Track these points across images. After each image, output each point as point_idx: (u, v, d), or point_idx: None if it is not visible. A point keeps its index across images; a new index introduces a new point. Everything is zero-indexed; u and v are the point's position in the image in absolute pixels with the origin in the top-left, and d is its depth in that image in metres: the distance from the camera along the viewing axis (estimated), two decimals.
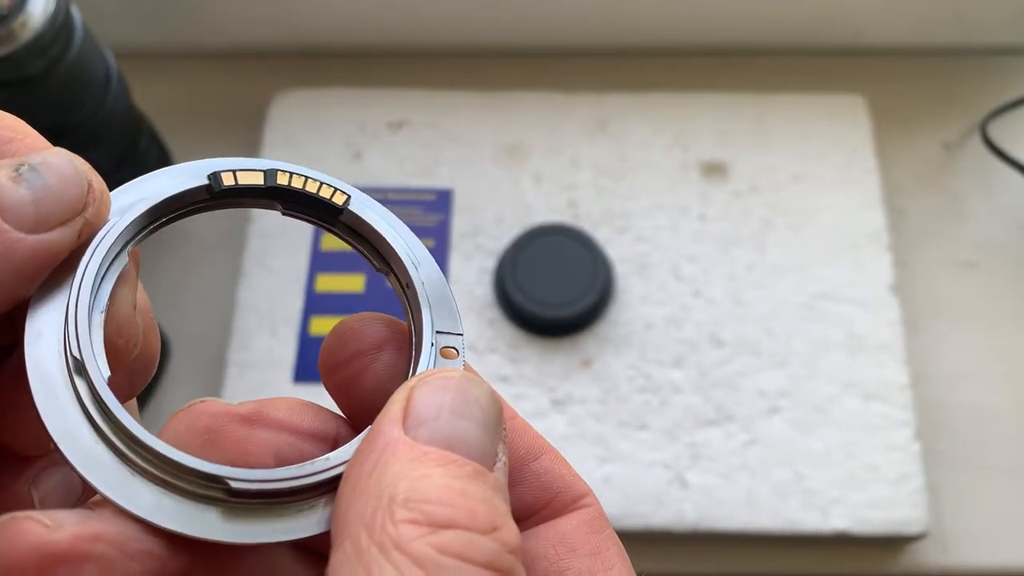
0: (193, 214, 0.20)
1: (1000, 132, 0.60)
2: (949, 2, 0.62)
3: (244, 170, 0.20)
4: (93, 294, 0.18)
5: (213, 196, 0.20)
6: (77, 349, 0.17)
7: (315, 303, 0.55)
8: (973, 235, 0.59)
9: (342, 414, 0.21)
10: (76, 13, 0.47)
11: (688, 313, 0.54)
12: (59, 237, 0.18)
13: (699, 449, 0.50)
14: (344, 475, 0.17)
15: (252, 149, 0.60)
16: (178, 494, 0.17)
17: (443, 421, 0.17)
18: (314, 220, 0.21)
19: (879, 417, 0.51)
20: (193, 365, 0.56)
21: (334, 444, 0.20)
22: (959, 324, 0.56)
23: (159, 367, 0.55)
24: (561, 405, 0.52)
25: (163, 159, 0.60)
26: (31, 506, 0.19)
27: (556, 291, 0.53)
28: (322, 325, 0.54)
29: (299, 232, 0.57)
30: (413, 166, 0.59)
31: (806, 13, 0.63)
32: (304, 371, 0.53)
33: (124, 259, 0.19)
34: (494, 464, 0.17)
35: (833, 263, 0.55)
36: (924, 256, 0.58)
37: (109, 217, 0.19)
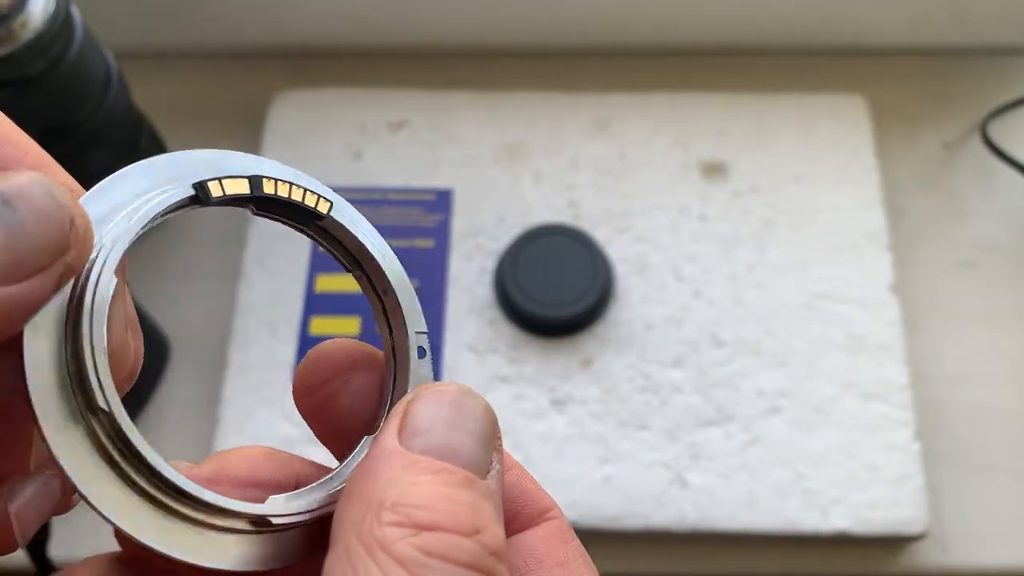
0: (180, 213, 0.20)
1: (1000, 132, 0.60)
2: (949, 2, 0.62)
3: (230, 178, 0.19)
4: (103, 329, 0.17)
5: (202, 204, 0.19)
6: (104, 401, 0.17)
7: (315, 303, 0.55)
8: (973, 235, 0.59)
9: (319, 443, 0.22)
10: (76, 13, 0.47)
11: (688, 313, 0.54)
12: (35, 287, 0.15)
13: (699, 449, 0.50)
14: (345, 486, 0.18)
15: (252, 149, 0.60)
16: (209, 529, 0.18)
17: (437, 432, 0.18)
18: (286, 221, 0.21)
19: (879, 417, 0.51)
20: (193, 365, 0.56)
21: (296, 486, 0.20)
22: (959, 324, 0.56)
23: (159, 367, 0.55)
24: (561, 405, 0.52)
25: None
26: (7, 521, 0.18)
27: (556, 291, 0.53)
28: (322, 325, 0.54)
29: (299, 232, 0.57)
30: (413, 166, 0.59)
31: (806, 13, 0.63)
32: None
33: (114, 279, 0.18)
34: (487, 472, 0.18)
35: (833, 263, 0.55)
36: (924, 256, 0.58)
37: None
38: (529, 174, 0.58)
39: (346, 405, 0.21)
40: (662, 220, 0.57)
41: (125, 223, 0.18)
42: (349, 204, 0.21)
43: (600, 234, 0.56)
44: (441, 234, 0.56)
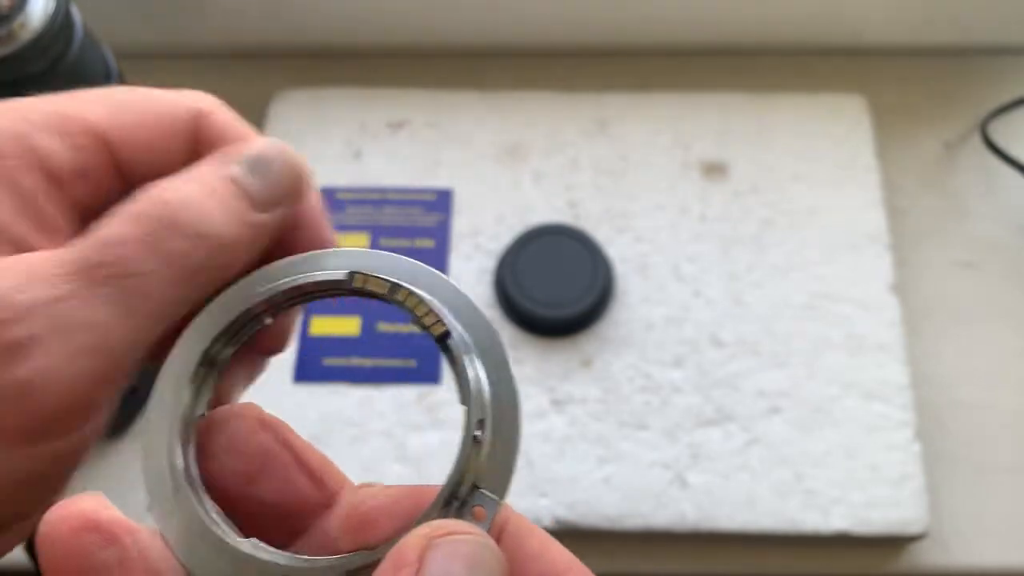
0: (333, 296, 0.23)
1: (1000, 132, 0.60)
2: (949, 2, 0.62)
3: (376, 277, 0.22)
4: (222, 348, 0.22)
5: (347, 289, 0.22)
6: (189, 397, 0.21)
7: (315, 303, 0.55)
8: (973, 235, 0.59)
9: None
10: (76, 13, 0.47)
11: (688, 313, 0.54)
12: (278, 215, 0.22)
13: (699, 449, 0.50)
14: None
15: None
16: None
17: None
18: (427, 334, 0.22)
19: (879, 417, 0.51)
20: None
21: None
22: (959, 324, 0.56)
23: (160, 368, 0.55)
24: (561, 405, 0.52)
25: None
26: None
27: (556, 291, 0.53)
28: (322, 325, 0.54)
29: None
30: (413, 166, 0.59)
31: (806, 13, 0.63)
32: (304, 371, 0.53)
33: (262, 321, 0.22)
34: None
35: (833, 263, 0.55)
36: (924, 256, 0.58)
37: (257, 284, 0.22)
38: (529, 174, 0.58)
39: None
40: (662, 220, 0.57)
41: (280, 286, 0.22)
42: (488, 325, 0.21)
43: (600, 234, 0.56)
44: (441, 234, 0.56)
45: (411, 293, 0.21)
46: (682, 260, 0.55)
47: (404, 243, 0.56)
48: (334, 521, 0.21)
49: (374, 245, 0.56)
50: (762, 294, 0.54)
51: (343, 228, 0.57)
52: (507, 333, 0.53)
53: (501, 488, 0.20)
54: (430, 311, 0.21)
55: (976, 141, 0.61)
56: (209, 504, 0.20)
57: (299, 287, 0.22)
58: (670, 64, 0.64)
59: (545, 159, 0.59)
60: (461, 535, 0.18)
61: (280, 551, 0.20)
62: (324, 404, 0.52)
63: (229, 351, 0.22)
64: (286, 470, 0.21)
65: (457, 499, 0.19)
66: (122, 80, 0.53)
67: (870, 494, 0.49)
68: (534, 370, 0.52)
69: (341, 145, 0.60)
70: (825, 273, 0.55)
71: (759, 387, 0.52)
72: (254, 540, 0.19)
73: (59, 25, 0.45)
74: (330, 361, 0.53)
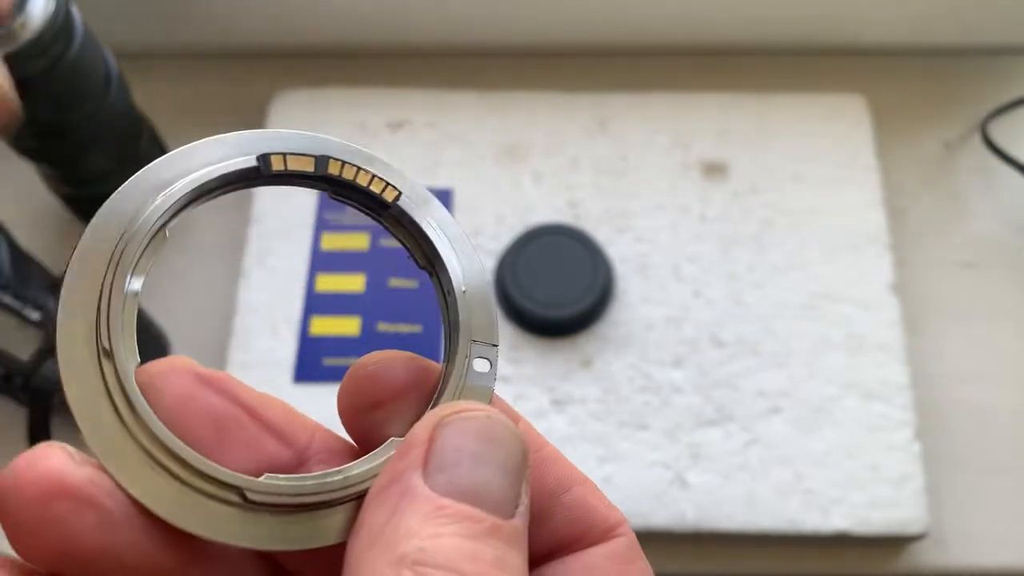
0: (240, 189, 0.20)
1: (1000, 132, 0.60)
2: (949, 2, 0.62)
3: (295, 154, 0.19)
4: (128, 279, 0.18)
5: (262, 177, 0.19)
6: (107, 340, 0.17)
7: (315, 303, 0.55)
8: (973, 235, 0.59)
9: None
10: (76, 13, 0.47)
11: (688, 313, 0.54)
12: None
13: (699, 449, 0.50)
14: (359, 518, 0.17)
15: None
16: (197, 493, 0.17)
17: (464, 469, 0.17)
18: (362, 208, 0.20)
19: (879, 417, 0.51)
20: None
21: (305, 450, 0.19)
22: (959, 324, 0.56)
23: None
24: (561, 405, 0.52)
25: None
26: None
27: (556, 291, 0.53)
28: (322, 325, 0.54)
29: (299, 232, 0.57)
30: (413, 166, 0.59)
31: (806, 13, 0.63)
32: (304, 371, 0.53)
33: (163, 237, 0.18)
34: (515, 509, 0.17)
35: (833, 263, 0.55)
36: (924, 256, 0.58)
37: (152, 195, 0.18)
38: (529, 174, 0.58)
39: (399, 432, 0.19)
40: (662, 220, 0.57)
41: (186, 186, 0.18)
42: (429, 194, 0.20)
43: (600, 234, 0.56)
44: None
45: (345, 163, 0.19)
46: (682, 260, 0.55)
47: None
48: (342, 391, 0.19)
49: (374, 245, 0.56)
50: (762, 294, 0.54)
51: (343, 228, 0.57)
52: (507, 333, 0.53)
53: (493, 335, 0.20)
54: (374, 177, 0.19)
55: (976, 141, 0.61)
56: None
57: (203, 185, 0.19)
58: (670, 64, 0.64)
59: (545, 159, 0.59)
60: (471, 412, 0.18)
61: (300, 474, 0.18)
62: (324, 404, 0.51)
63: (139, 282, 0.18)
64: (245, 432, 0.18)
65: (464, 356, 0.19)
66: (122, 80, 0.53)
67: (870, 494, 0.49)
68: (534, 370, 0.52)
69: None
70: (825, 273, 0.55)
71: (759, 387, 0.52)
72: (269, 475, 0.17)
73: (59, 25, 0.45)
74: (330, 361, 0.53)
